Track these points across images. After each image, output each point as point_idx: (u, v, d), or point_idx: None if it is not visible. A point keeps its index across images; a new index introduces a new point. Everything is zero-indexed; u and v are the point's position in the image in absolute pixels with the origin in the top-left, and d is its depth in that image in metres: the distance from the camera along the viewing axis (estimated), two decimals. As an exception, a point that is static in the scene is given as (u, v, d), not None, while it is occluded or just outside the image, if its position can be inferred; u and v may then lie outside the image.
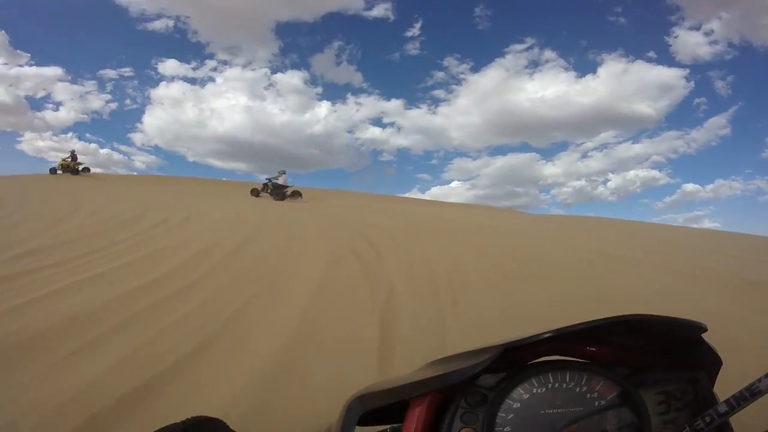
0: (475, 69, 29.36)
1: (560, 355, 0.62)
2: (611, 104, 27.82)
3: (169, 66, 28.57)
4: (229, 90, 30.22)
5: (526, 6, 31.40)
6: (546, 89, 29.14)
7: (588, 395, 0.57)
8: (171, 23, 26.52)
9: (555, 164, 29.97)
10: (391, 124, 28.47)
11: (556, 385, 0.57)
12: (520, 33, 32.44)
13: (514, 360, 0.59)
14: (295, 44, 30.54)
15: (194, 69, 27.99)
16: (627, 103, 27.38)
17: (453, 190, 31.09)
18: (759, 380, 0.46)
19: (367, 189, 27.38)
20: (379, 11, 25.89)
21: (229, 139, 30.64)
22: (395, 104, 28.89)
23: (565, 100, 28.51)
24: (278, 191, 15.96)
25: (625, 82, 27.67)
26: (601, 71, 28.31)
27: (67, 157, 18.41)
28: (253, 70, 29.21)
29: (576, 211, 31.74)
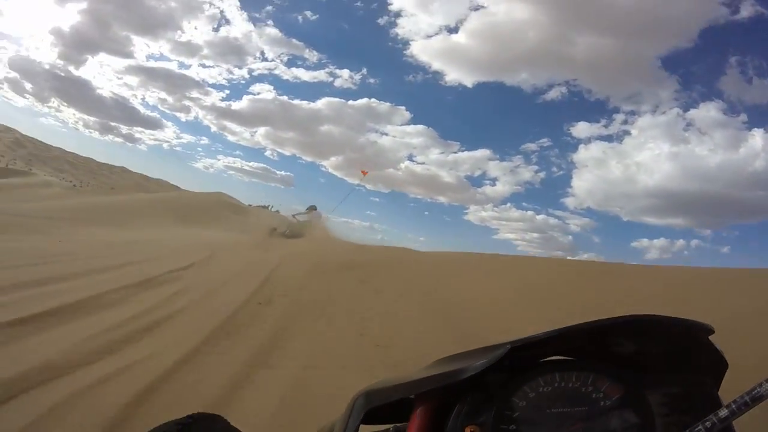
0: None
1: (568, 354, 0.62)
2: None
3: (581, 129, 31.45)
4: (647, 140, 28.48)
5: None
6: None
7: (594, 395, 0.58)
8: (563, 89, 29.92)
9: None
10: None
11: (563, 385, 0.58)
12: None
13: (522, 359, 0.59)
14: (692, 74, 28.41)
15: (605, 126, 29.65)
16: None
17: None
18: (760, 385, 0.46)
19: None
20: (747, 11, 22.00)
21: (661, 192, 28.49)
22: None
23: None
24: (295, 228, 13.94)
25: None
26: None
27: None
28: (663, 113, 27.45)
29: None
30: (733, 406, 0.47)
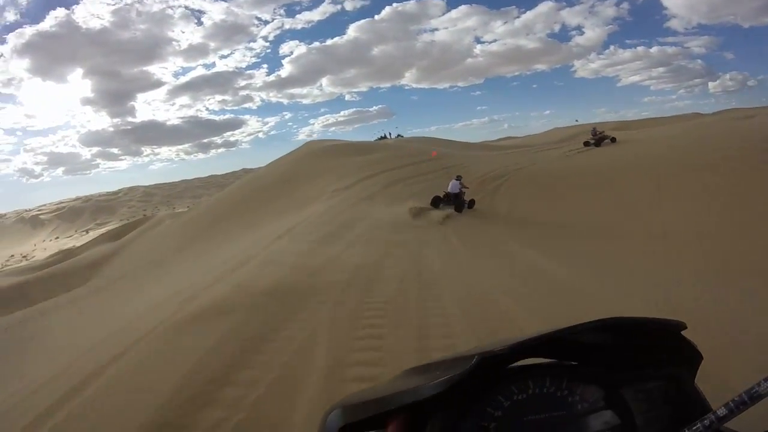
0: None
1: (540, 357, 0.61)
2: None
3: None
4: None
5: None
6: None
7: (569, 399, 0.57)
8: None
9: None
10: None
11: (537, 391, 0.57)
12: None
13: (493, 366, 0.56)
14: None
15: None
16: None
17: None
18: (759, 384, 0.46)
19: None
20: None
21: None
22: None
23: None
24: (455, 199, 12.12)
25: None
26: None
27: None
28: None
29: None
30: (732, 405, 0.47)
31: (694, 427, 0.47)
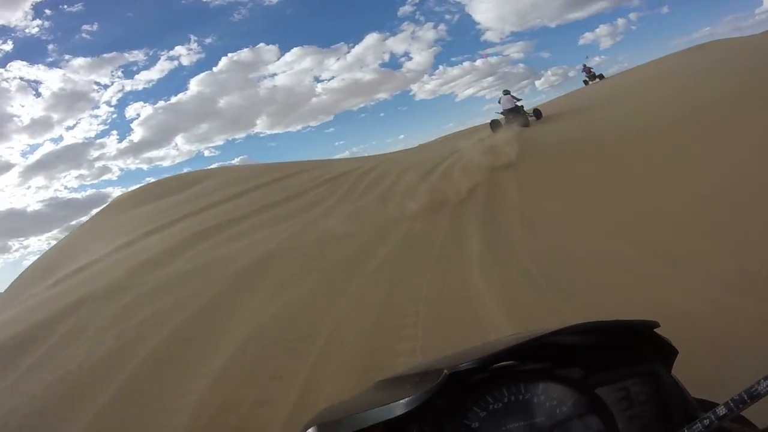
0: None
1: (514, 360, 0.62)
2: None
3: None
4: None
5: None
6: None
7: (547, 404, 0.56)
8: None
9: None
10: None
11: (512, 399, 0.56)
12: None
13: (465, 377, 0.56)
14: None
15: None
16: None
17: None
18: (758, 383, 0.46)
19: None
20: None
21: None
22: None
23: None
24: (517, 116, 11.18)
25: None
26: None
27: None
28: None
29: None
30: (731, 404, 0.46)
31: (694, 427, 0.47)
